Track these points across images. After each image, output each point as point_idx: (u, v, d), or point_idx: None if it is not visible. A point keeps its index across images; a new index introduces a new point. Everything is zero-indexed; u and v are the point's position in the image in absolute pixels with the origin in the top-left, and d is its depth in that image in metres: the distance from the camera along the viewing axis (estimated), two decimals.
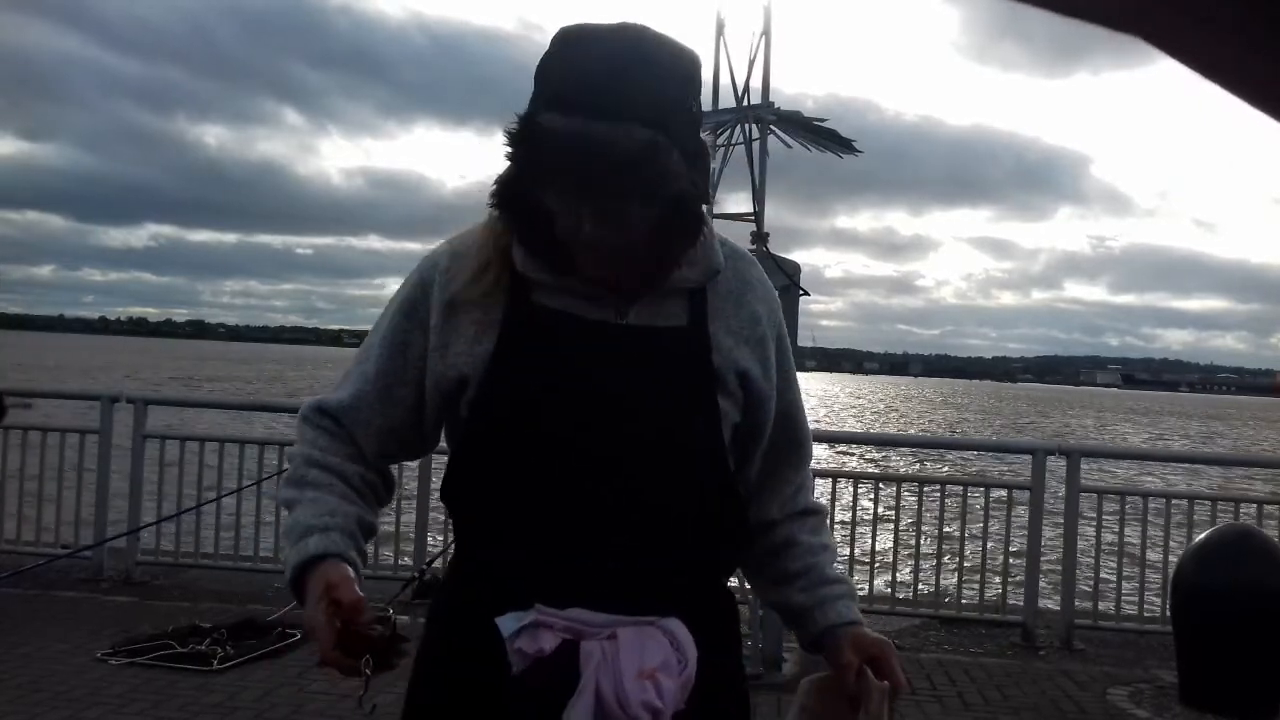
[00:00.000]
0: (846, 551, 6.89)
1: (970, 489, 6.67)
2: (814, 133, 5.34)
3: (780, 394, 1.48)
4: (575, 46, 1.27)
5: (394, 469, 1.55)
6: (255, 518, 6.35)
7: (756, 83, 5.25)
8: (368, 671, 1.25)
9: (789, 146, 5.31)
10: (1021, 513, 6.14)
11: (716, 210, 5.36)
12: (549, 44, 1.29)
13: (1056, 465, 6.14)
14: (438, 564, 5.39)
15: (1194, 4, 0.29)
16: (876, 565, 6.47)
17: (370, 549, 6.38)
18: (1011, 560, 6.22)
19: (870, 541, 6.36)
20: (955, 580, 6.23)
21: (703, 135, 1.33)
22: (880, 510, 6.28)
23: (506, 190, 1.28)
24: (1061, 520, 6.04)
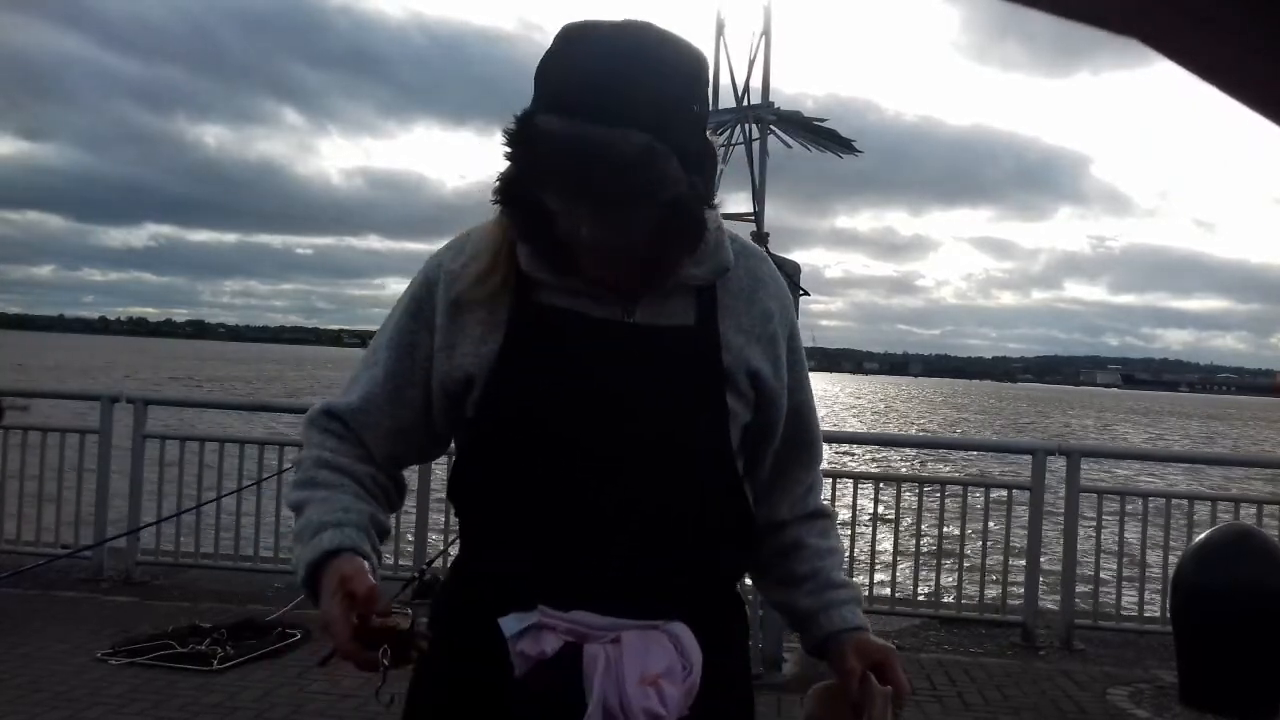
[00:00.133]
0: (847, 552, 6.89)
1: (970, 489, 6.68)
2: (814, 133, 5.34)
3: (791, 392, 1.46)
4: (575, 45, 1.25)
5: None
6: (255, 518, 6.35)
7: (756, 83, 5.25)
8: (385, 662, 1.23)
9: (789, 146, 5.32)
10: (1021, 513, 6.14)
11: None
12: (551, 41, 1.27)
13: (1056, 465, 6.15)
14: (438, 564, 5.39)
15: (1192, 7, 0.30)
16: (876, 565, 6.47)
17: None
18: (1011, 560, 6.22)
19: (870, 541, 6.36)
20: (955, 580, 6.23)
21: (709, 135, 1.31)
22: (880, 510, 6.28)
23: (508, 189, 1.27)
24: (1061, 520, 6.04)
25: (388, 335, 1.44)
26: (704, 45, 5.51)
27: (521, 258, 1.34)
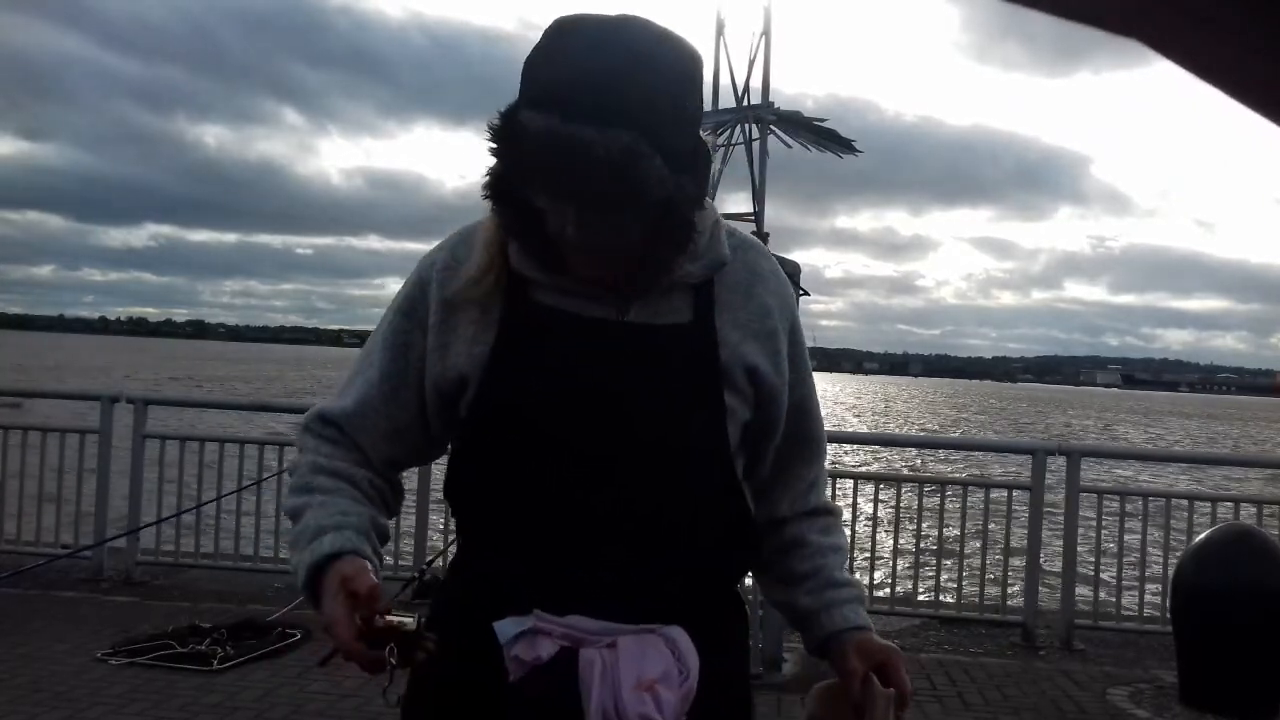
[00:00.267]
0: (846, 551, 6.90)
1: (970, 489, 6.68)
2: (814, 133, 5.34)
3: (793, 387, 1.43)
4: (563, 40, 1.21)
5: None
6: (255, 518, 6.35)
7: (756, 83, 5.26)
8: (393, 661, 1.21)
9: (789, 146, 5.32)
10: (1021, 513, 6.14)
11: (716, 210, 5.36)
12: (541, 35, 1.24)
13: (1056, 465, 6.15)
14: (438, 564, 5.39)
15: (1192, 6, 0.30)
16: (876, 565, 6.47)
17: None
18: (1011, 560, 6.22)
19: (870, 541, 6.36)
20: (955, 580, 6.23)
21: (703, 135, 1.28)
22: (880, 510, 6.28)
23: (496, 185, 1.24)
24: (1061, 520, 6.04)
25: (381, 337, 1.42)
26: (704, 45, 5.48)
27: (512, 255, 1.33)
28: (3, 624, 5.06)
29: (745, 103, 5.24)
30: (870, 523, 6.28)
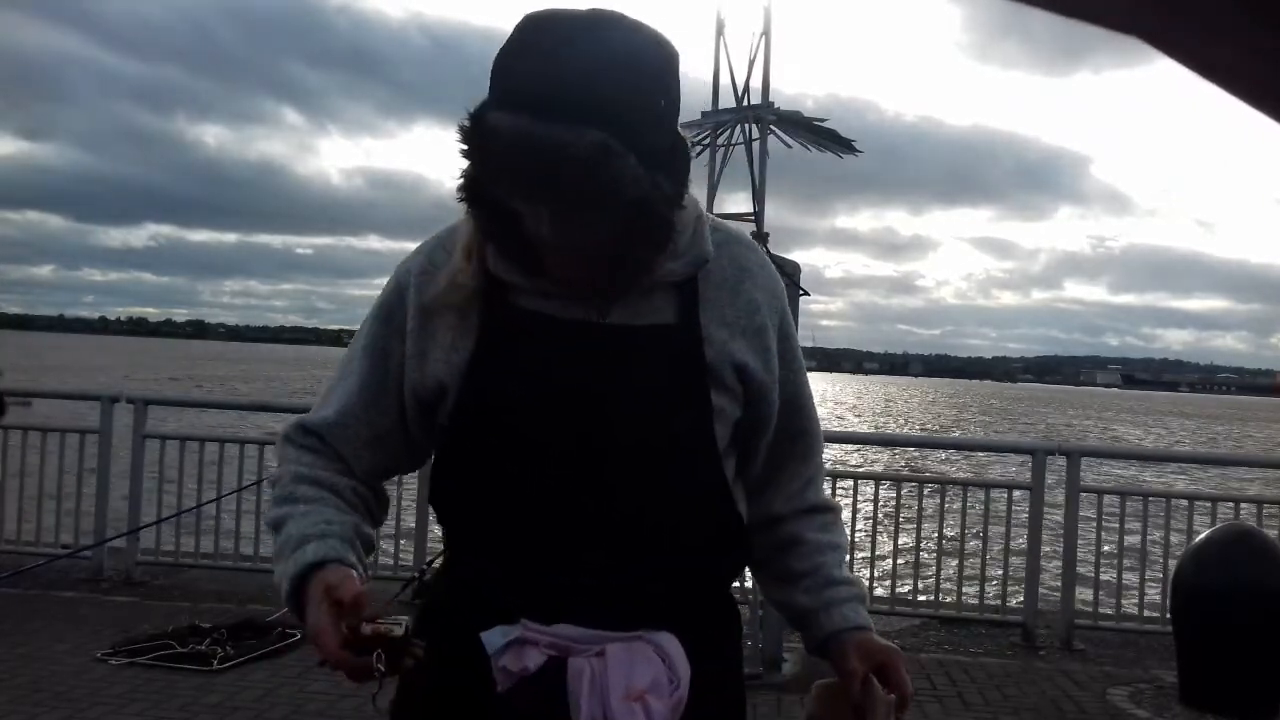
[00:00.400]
0: (846, 551, 6.89)
1: (970, 489, 6.68)
2: (814, 133, 5.34)
3: (784, 383, 1.40)
4: (532, 36, 1.17)
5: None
6: (255, 518, 6.34)
7: (756, 83, 5.25)
8: (380, 668, 1.19)
9: (789, 146, 5.32)
10: (1021, 513, 6.14)
11: (716, 210, 5.36)
12: (511, 31, 1.20)
13: (1056, 465, 6.15)
14: (438, 564, 5.39)
15: (1193, 6, 0.29)
16: (876, 565, 6.47)
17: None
18: (1011, 560, 6.22)
19: (870, 541, 6.36)
20: (955, 580, 6.24)
21: (681, 130, 1.24)
22: (880, 510, 6.28)
23: (471, 188, 1.21)
24: (1061, 520, 6.05)
25: (360, 345, 1.40)
26: (704, 45, 5.48)
27: (490, 259, 1.30)
28: (3, 624, 5.06)
29: (745, 103, 5.24)
30: (870, 523, 6.28)
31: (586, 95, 1.13)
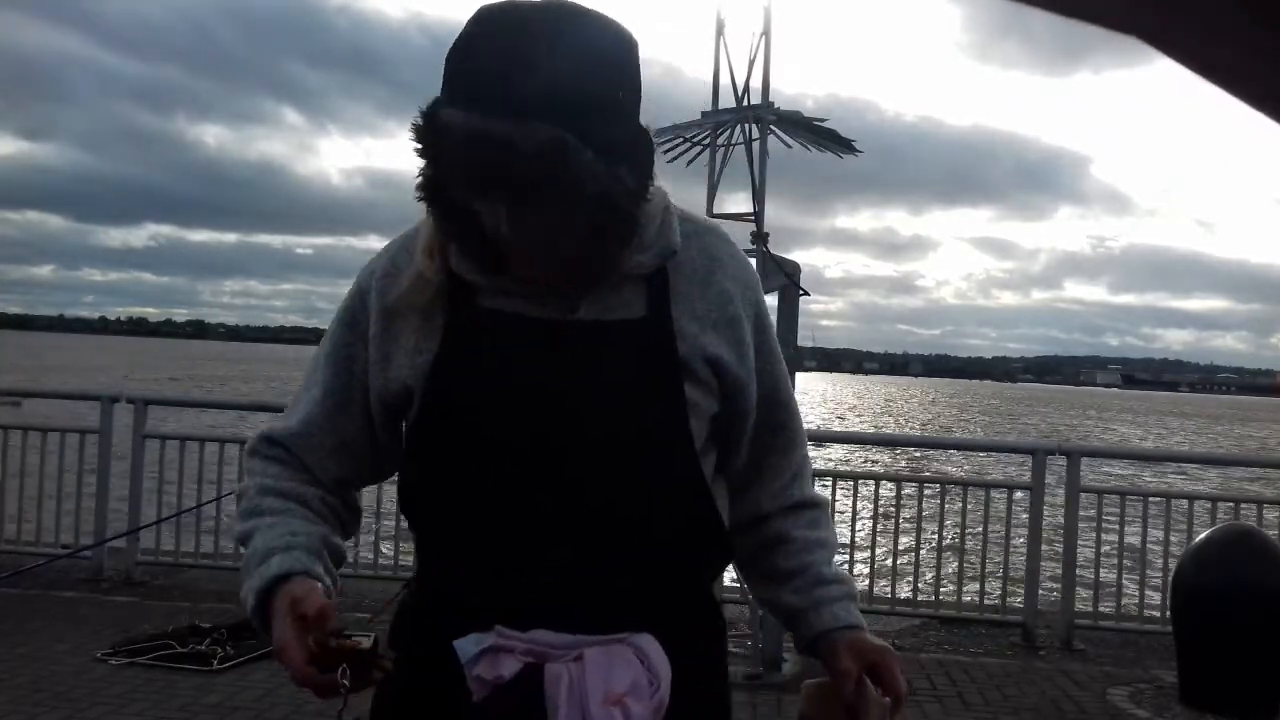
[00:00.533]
0: (846, 552, 6.89)
1: (970, 489, 6.68)
2: (814, 133, 5.33)
3: (762, 376, 1.36)
4: (485, 29, 1.14)
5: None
6: None
7: (756, 83, 5.25)
8: (345, 683, 1.15)
9: (789, 146, 5.31)
10: (1021, 513, 6.14)
11: (716, 210, 5.36)
12: (464, 25, 1.16)
13: (1056, 465, 6.15)
14: None
15: (1193, 6, 0.29)
16: (876, 565, 6.47)
17: (368, 550, 6.32)
18: (1011, 560, 6.22)
19: (870, 541, 6.36)
20: (955, 580, 6.24)
21: (643, 122, 1.20)
22: (880, 510, 6.28)
23: (428, 186, 1.17)
24: (1061, 520, 6.05)
25: (324, 352, 1.37)
26: (704, 45, 5.47)
27: (452, 259, 1.27)
28: (3, 624, 5.06)
29: (745, 103, 5.24)
30: (870, 523, 6.28)
31: (540, 89, 1.10)
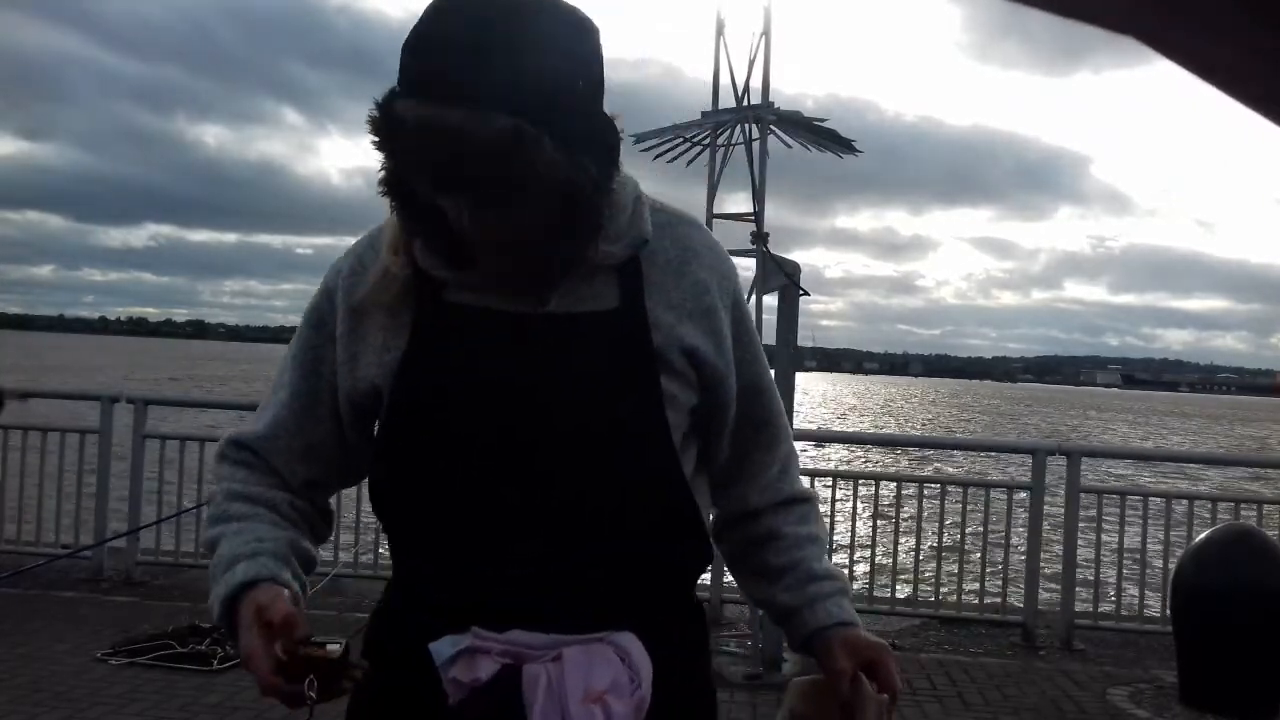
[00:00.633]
0: (846, 552, 6.89)
1: (970, 489, 6.68)
2: (814, 133, 5.34)
3: (741, 366, 1.34)
4: (438, 19, 1.12)
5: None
6: None
7: (756, 83, 5.25)
8: (312, 694, 1.13)
9: (789, 146, 5.32)
10: (1021, 513, 6.14)
11: (716, 210, 5.36)
12: (420, 15, 1.13)
13: (1057, 465, 6.15)
14: None
15: (1193, 6, 0.29)
16: (876, 565, 6.47)
17: (368, 552, 6.32)
18: (1011, 560, 6.22)
19: (870, 541, 6.36)
20: (955, 580, 6.24)
21: (608, 112, 1.18)
22: (880, 510, 6.28)
23: (390, 181, 1.16)
24: (1061, 520, 6.05)
25: (291, 353, 1.35)
26: (704, 45, 5.47)
27: (418, 255, 1.24)
28: (3, 624, 5.06)
29: (745, 103, 5.24)
30: (870, 523, 6.28)
31: (495, 79, 1.07)
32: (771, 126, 5.20)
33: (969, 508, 6.49)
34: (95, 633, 5.02)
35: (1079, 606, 5.91)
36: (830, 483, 6.98)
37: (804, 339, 5.86)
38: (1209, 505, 6.26)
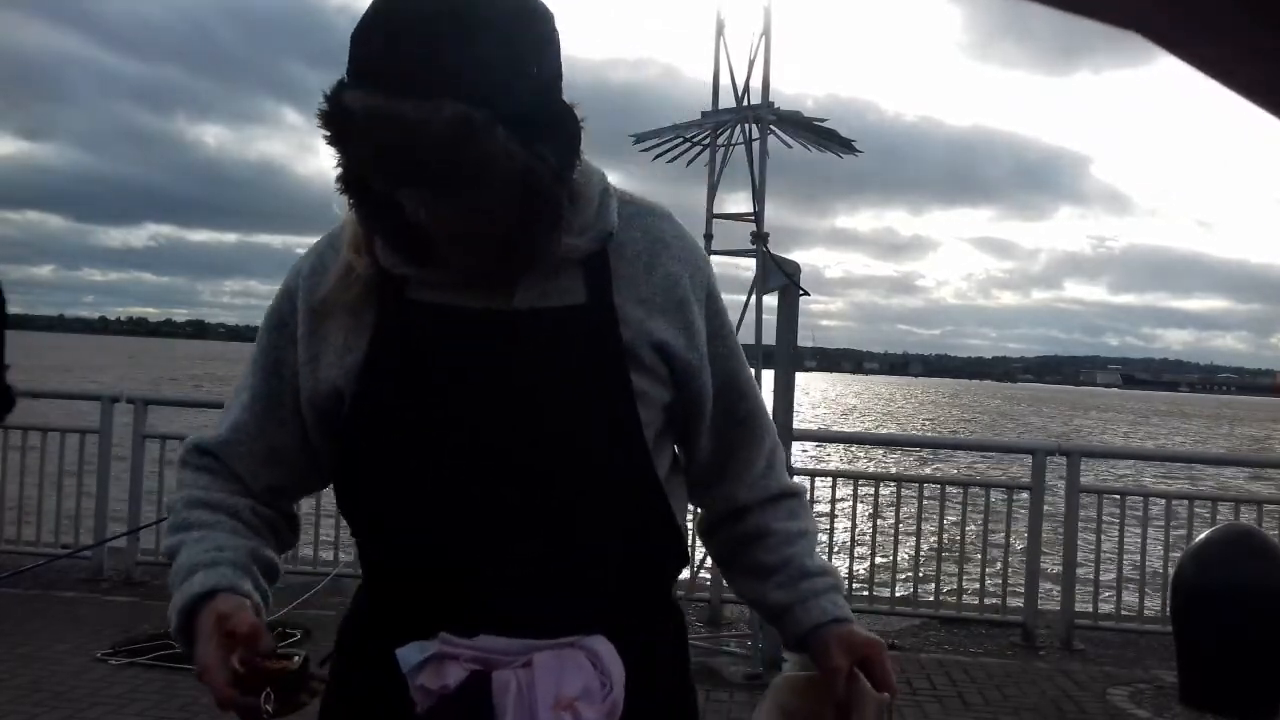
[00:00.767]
0: (846, 552, 6.89)
1: (970, 489, 6.69)
2: (814, 133, 5.34)
3: (717, 361, 1.30)
4: (386, 6, 1.08)
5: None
6: None
7: (756, 83, 5.25)
8: (268, 709, 1.10)
9: (789, 146, 5.32)
10: (1021, 513, 6.14)
11: (716, 210, 5.36)
12: (369, 3, 1.10)
13: (1056, 465, 6.15)
14: None
15: (1195, 4, 0.29)
16: (876, 565, 6.47)
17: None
18: (1011, 560, 6.22)
19: (871, 541, 6.36)
20: (955, 580, 6.24)
21: (567, 101, 1.14)
22: (880, 510, 6.28)
23: (346, 175, 1.12)
24: (1061, 520, 6.05)
25: (253, 356, 1.32)
26: (704, 45, 5.46)
27: (379, 252, 1.21)
28: (3, 624, 5.06)
29: (745, 103, 5.24)
30: (871, 523, 6.28)
31: (444, 66, 1.04)
32: (771, 126, 5.20)
33: (969, 508, 6.49)
34: (95, 633, 5.02)
35: (1079, 606, 5.91)
36: (830, 483, 6.98)
37: (804, 339, 5.86)
38: (1209, 505, 6.26)
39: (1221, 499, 6.48)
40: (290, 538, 1.37)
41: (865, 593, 6.49)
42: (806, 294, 5.26)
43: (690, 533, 1.43)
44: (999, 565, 6.47)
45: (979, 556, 6.35)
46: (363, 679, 1.26)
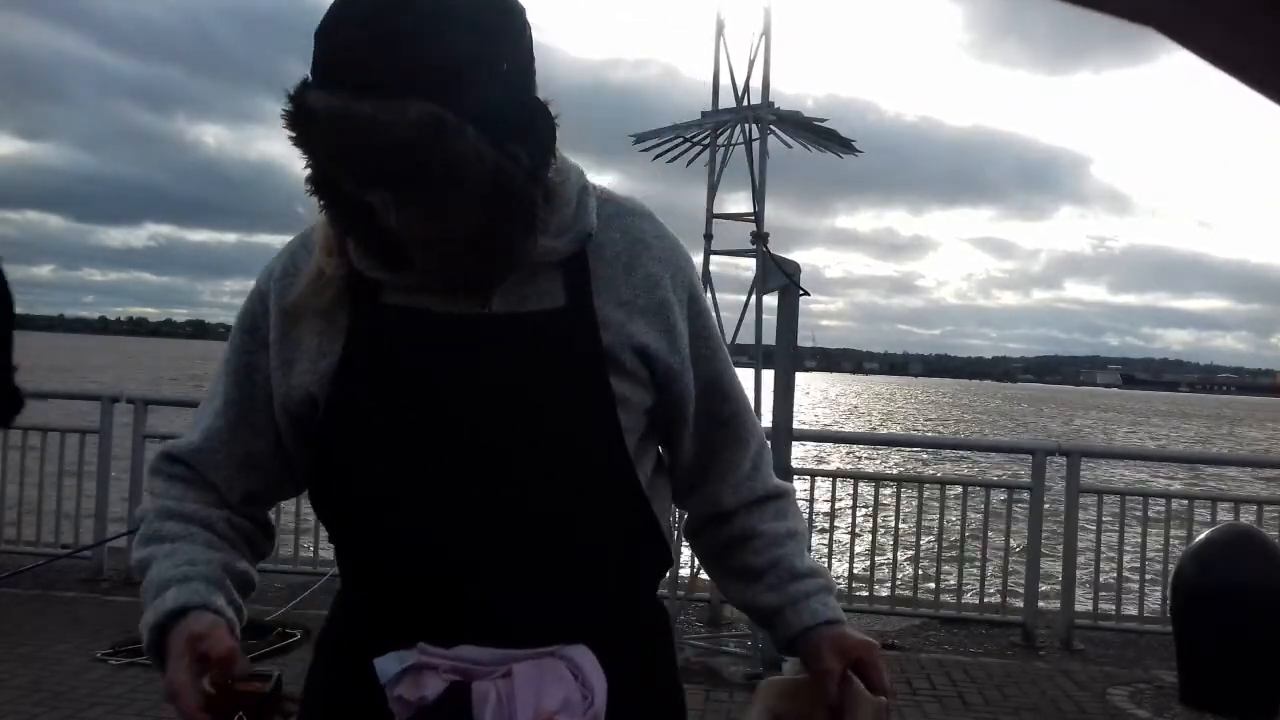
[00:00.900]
0: (846, 552, 6.89)
1: (970, 489, 6.68)
2: (814, 133, 5.34)
3: (700, 363, 1.28)
4: (350, 3, 1.05)
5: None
6: None
7: (756, 83, 5.25)
8: None
9: (789, 146, 5.32)
10: (1021, 513, 6.14)
11: (716, 210, 5.36)
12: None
13: (1057, 465, 6.15)
14: None
15: (1210, 2, 0.29)
16: (876, 565, 6.47)
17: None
18: (1011, 560, 6.22)
19: (870, 541, 6.35)
20: (955, 580, 6.23)
21: (540, 96, 1.11)
22: (880, 510, 6.28)
23: (315, 176, 1.08)
24: (1061, 520, 6.05)
25: (224, 361, 1.28)
26: (704, 45, 5.47)
27: (352, 255, 1.18)
28: (3, 624, 5.06)
29: (745, 103, 5.24)
30: (871, 523, 6.28)
31: (410, 64, 1.00)
32: (771, 126, 5.20)
33: (969, 508, 6.49)
34: (95, 633, 5.02)
35: (1079, 606, 5.91)
36: (830, 483, 6.97)
37: (804, 339, 5.86)
38: (1209, 505, 6.25)
39: (1221, 499, 6.47)
40: (265, 546, 1.34)
41: (865, 593, 6.49)
42: (806, 294, 5.26)
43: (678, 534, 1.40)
44: (999, 565, 6.47)
45: (979, 556, 6.35)
46: (343, 689, 1.24)
